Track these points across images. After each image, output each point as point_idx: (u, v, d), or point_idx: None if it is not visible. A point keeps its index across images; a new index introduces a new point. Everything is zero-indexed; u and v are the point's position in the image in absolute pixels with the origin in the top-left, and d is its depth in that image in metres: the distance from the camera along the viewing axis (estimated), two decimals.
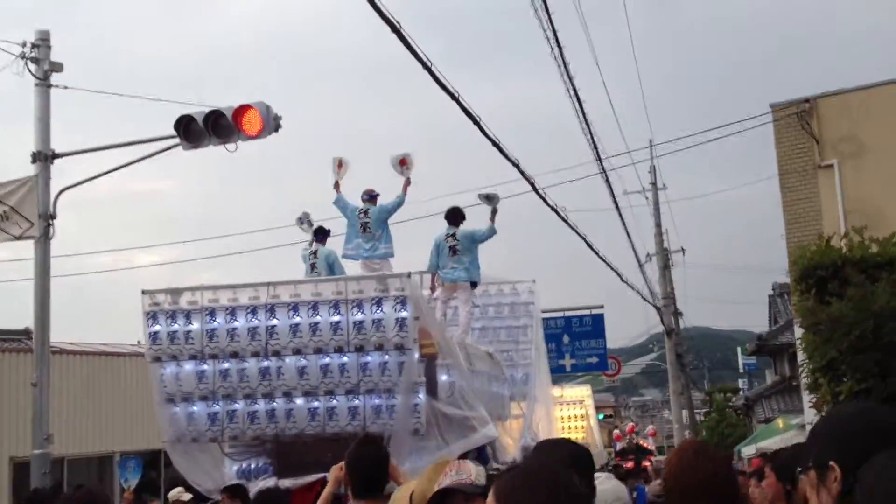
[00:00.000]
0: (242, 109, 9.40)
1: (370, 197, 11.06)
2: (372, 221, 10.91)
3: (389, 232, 11.05)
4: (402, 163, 10.98)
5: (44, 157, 10.89)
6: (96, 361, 15.86)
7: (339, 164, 11.22)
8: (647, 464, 22.96)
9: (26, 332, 12.82)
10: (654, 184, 27.54)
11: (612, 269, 19.42)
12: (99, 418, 14.10)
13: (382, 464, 4.24)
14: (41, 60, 10.83)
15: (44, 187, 10.90)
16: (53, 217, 10.89)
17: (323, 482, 7.76)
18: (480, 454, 8.90)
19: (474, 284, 10.66)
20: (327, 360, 8.10)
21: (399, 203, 11.03)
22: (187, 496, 10.56)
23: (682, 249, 32.53)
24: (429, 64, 7.48)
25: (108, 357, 15.67)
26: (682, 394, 28.51)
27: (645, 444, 29.99)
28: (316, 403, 8.24)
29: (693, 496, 2.98)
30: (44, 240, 10.84)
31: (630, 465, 21.30)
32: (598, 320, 20.96)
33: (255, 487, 7.89)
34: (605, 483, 4.82)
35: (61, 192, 10.98)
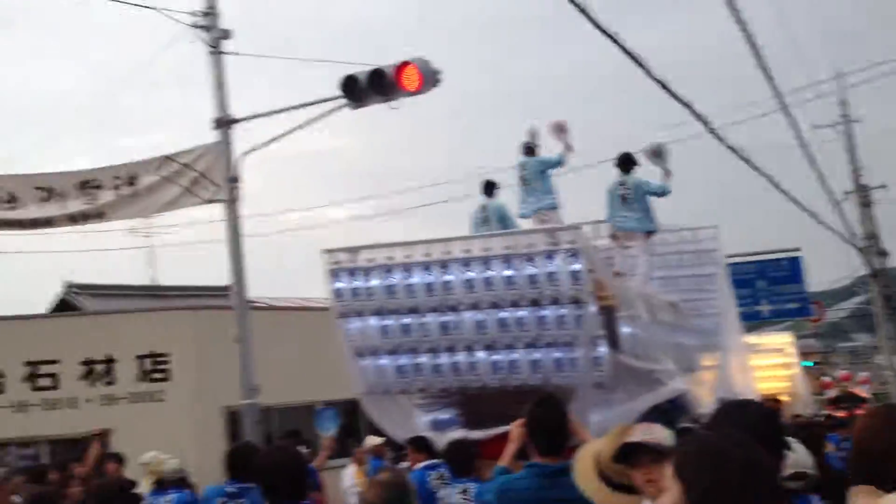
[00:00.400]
0: (402, 66, 9.44)
1: (527, 149, 10.89)
2: (528, 173, 10.72)
3: (551, 183, 10.83)
4: (558, 128, 10.73)
5: (225, 123, 11.42)
6: (297, 315, 16.76)
7: (533, 132, 11.10)
8: (860, 412, 21.69)
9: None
10: (845, 116, 25.55)
11: (804, 209, 18.26)
12: (303, 369, 14.87)
13: (561, 423, 4.19)
14: (211, 28, 11.29)
15: (227, 152, 11.39)
16: (238, 180, 11.45)
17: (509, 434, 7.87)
18: (673, 407, 8.68)
19: (650, 233, 10.33)
20: (504, 314, 8.04)
21: (559, 161, 10.77)
22: (379, 440, 11.05)
23: (884, 185, 30.01)
24: (584, 7, 7.19)
25: (308, 311, 16.46)
26: (893, 339, 26.63)
27: (858, 392, 28.32)
28: (497, 357, 8.23)
29: (879, 463, 2.75)
30: (232, 202, 11.44)
31: (843, 413, 20.20)
32: (795, 264, 19.82)
33: (445, 438, 8.09)
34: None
35: (244, 155, 11.44)
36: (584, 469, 3.51)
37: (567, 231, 7.97)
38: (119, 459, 10.58)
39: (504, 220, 10.57)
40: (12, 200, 11.15)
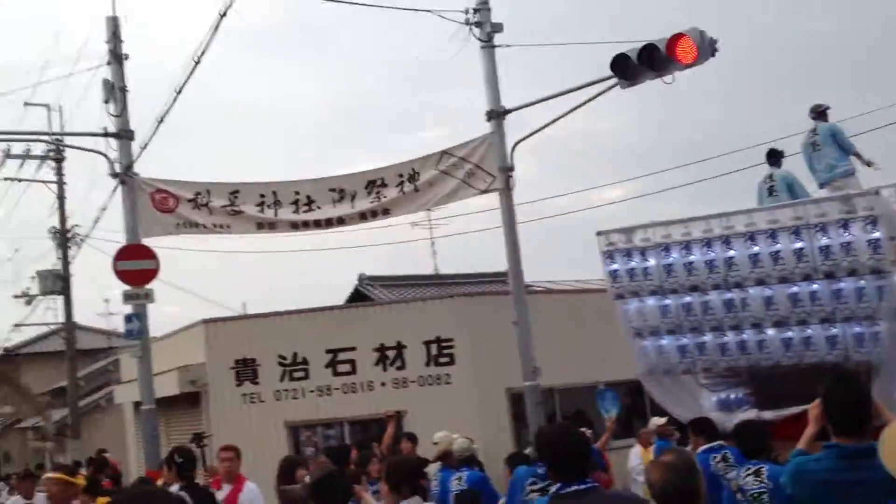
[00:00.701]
0: (675, 39, 9.11)
1: (816, 114, 10.13)
2: (820, 138, 9.99)
3: (847, 148, 10.02)
4: None
5: (496, 115, 11.68)
6: (575, 298, 16.79)
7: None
8: None
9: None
10: None
11: None
12: (583, 350, 14.90)
13: (862, 401, 3.92)
14: (483, 24, 11.53)
15: (500, 142, 11.71)
16: (512, 169, 11.69)
17: (806, 414, 7.43)
18: None
19: None
20: (794, 288, 7.62)
21: None
22: (662, 420, 10.83)
23: None
24: None
25: (586, 293, 16.44)
26: None
27: None
28: (789, 333, 7.82)
29: None
30: (506, 191, 11.70)
31: None
32: None
33: (734, 419, 7.81)
34: None
35: (516, 144, 11.70)
36: (892, 450, 3.25)
37: (864, 197, 7.36)
38: (412, 438, 11.15)
39: (792, 190, 9.97)
40: (310, 203, 12.10)
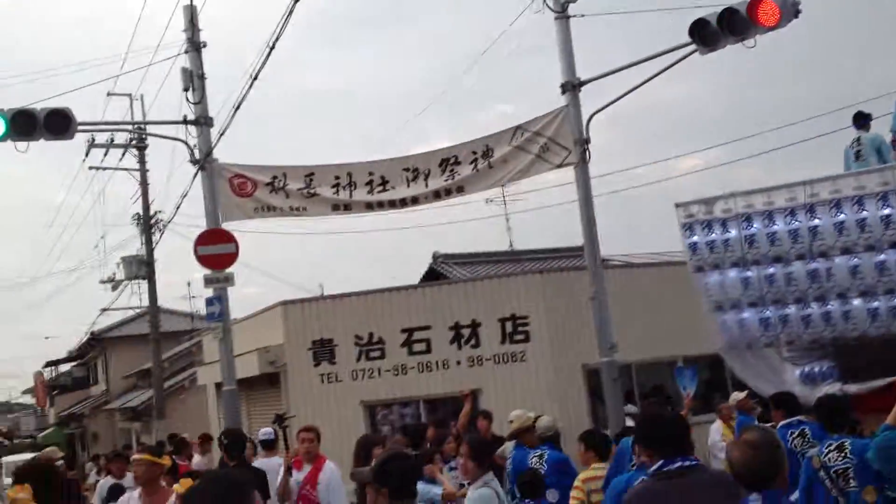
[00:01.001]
0: (757, 1, 8.87)
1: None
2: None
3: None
4: None
5: (571, 87, 11.53)
6: (653, 271, 16.56)
7: None
8: None
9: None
10: None
11: None
12: (661, 325, 14.71)
13: None
14: None
15: (575, 115, 11.59)
16: (588, 141, 11.54)
17: (894, 387, 7.23)
18: None
19: None
20: (882, 257, 7.40)
21: None
22: (743, 395, 10.64)
23: None
24: None
25: (664, 267, 16.21)
26: None
27: None
28: (876, 303, 7.62)
29: None
30: (582, 164, 11.57)
31: None
32: None
33: (818, 393, 7.63)
34: None
35: (592, 116, 11.54)
36: None
37: None
38: (488, 416, 11.17)
39: (880, 153, 9.65)
40: (384, 183, 12.17)
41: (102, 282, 28.41)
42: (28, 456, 25.40)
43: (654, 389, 14.39)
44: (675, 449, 3.75)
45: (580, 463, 7.28)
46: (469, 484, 5.74)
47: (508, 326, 15.08)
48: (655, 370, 15.17)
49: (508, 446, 9.00)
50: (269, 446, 9.23)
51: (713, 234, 8.25)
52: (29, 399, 61.21)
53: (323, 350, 15.41)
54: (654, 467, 3.78)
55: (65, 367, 51.33)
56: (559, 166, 11.79)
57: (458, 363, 15.15)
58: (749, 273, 8.21)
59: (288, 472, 7.86)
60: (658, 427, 3.93)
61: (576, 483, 6.85)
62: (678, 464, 3.70)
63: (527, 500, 7.24)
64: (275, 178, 12.19)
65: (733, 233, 8.12)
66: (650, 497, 3.78)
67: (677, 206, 8.51)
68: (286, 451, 8.28)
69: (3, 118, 10.56)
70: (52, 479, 3.93)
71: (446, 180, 12.08)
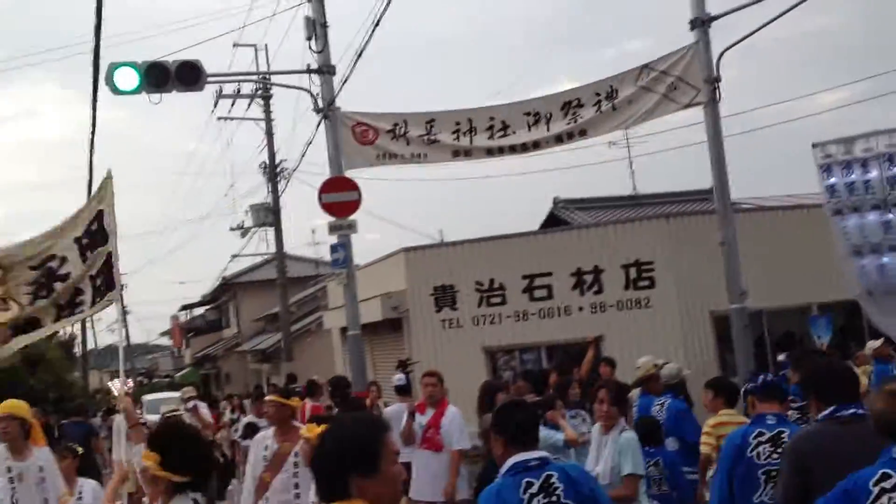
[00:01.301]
0: None
1: None
2: None
3: None
4: None
5: (701, 22, 11.08)
6: (787, 214, 15.94)
7: None
8: None
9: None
10: None
11: None
12: (794, 270, 14.21)
13: None
14: None
15: (705, 52, 11.15)
16: (718, 80, 11.10)
17: None
18: None
19: None
20: None
21: None
22: (878, 343, 10.19)
23: None
24: None
25: (798, 210, 15.61)
26: None
27: None
28: None
29: None
30: (711, 103, 11.14)
31: None
32: None
33: None
34: None
35: (722, 53, 11.09)
36: None
37: None
38: (611, 363, 11.07)
39: None
40: (505, 128, 12.07)
41: (232, 229, 29.52)
42: (166, 395, 26.87)
43: (785, 337, 13.95)
44: (847, 396, 3.81)
45: (708, 410, 7.13)
46: (608, 429, 5.67)
47: (632, 272, 14.83)
48: (787, 317, 14.67)
49: (634, 394, 8.91)
50: (403, 392, 9.40)
51: (853, 175, 7.87)
52: (166, 341, 64.42)
53: (444, 296, 15.55)
54: (826, 413, 3.83)
55: (199, 311, 53.75)
56: (687, 106, 11.39)
57: (581, 309, 15.03)
58: (890, 216, 7.83)
59: (411, 416, 8.01)
60: (831, 375, 3.95)
61: (705, 429, 6.72)
62: (850, 411, 3.76)
63: (646, 447, 7.17)
64: (396, 125, 12.26)
65: (874, 173, 7.72)
66: (823, 439, 3.82)
67: (814, 146, 8.14)
68: (409, 396, 8.45)
69: (138, 71, 10.95)
70: (185, 444, 4.05)
71: (568, 123, 11.88)
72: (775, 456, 4.65)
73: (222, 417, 18.20)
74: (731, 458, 4.82)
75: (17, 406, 5.60)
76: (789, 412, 6.03)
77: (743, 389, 5.17)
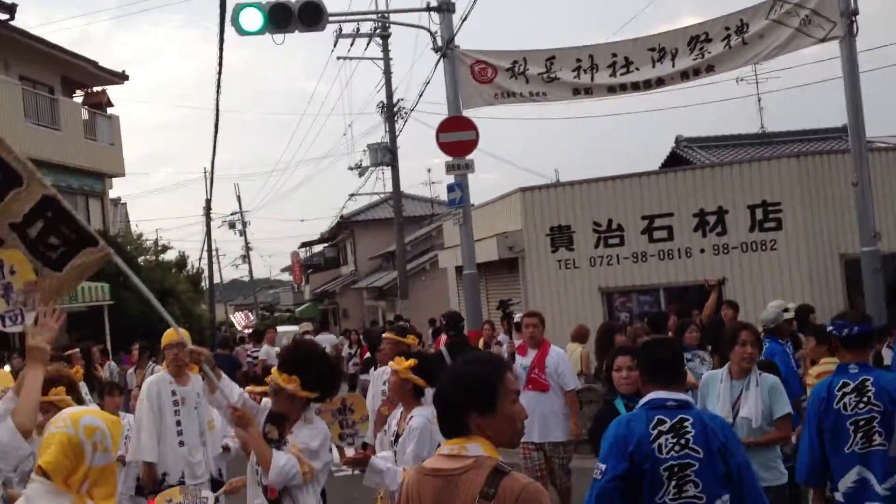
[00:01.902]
0: None
1: None
2: None
3: None
4: None
5: None
6: None
7: None
8: None
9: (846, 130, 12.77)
10: None
11: None
12: None
13: None
14: None
15: None
16: (855, 13, 10.47)
17: None
18: None
19: None
20: None
21: None
22: None
23: None
24: None
25: None
26: None
27: None
28: None
29: None
30: (848, 38, 10.54)
31: None
32: None
33: None
34: None
35: None
36: None
37: None
38: (734, 306, 10.81)
39: None
40: (628, 64, 11.74)
41: (350, 168, 29.98)
42: (286, 329, 27.78)
43: None
44: None
45: (810, 358, 6.90)
46: (744, 373, 5.52)
47: (759, 213, 14.37)
48: None
49: None
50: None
51: None
52: (287, 276, 66.38)
53: (561, 236, 15.43)
54: None
55: (318, 248, 55.11)
56: (822, 41, 10.80)
57: (702, 251, 14.69)
58: None
59: (511, 357, 7.97)
60: None
61: (808, 379, 6.53)
62: None
63: None
64: (515, 63, 12.09)
65: None
66: None
67: None
68: (509, 337, 8.43)
69: (262, 11, 11.10)
70: (319, 364, 4.38)
71: (695, 59, 11.46)
72: (861, 405, 4.57)
73: (340, 352, 18.68)
74: (818, 412, 4.73)
75: (184, 334, 5.86)
76: None
77: (828, 329, 4.96)
